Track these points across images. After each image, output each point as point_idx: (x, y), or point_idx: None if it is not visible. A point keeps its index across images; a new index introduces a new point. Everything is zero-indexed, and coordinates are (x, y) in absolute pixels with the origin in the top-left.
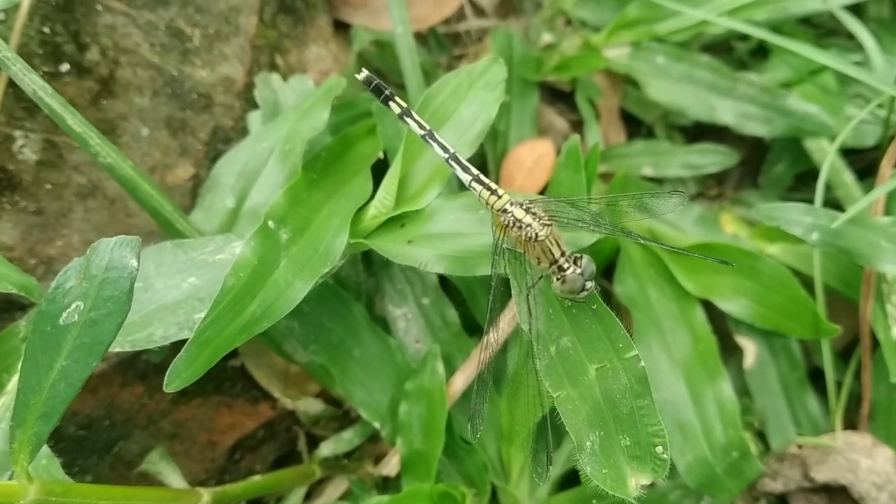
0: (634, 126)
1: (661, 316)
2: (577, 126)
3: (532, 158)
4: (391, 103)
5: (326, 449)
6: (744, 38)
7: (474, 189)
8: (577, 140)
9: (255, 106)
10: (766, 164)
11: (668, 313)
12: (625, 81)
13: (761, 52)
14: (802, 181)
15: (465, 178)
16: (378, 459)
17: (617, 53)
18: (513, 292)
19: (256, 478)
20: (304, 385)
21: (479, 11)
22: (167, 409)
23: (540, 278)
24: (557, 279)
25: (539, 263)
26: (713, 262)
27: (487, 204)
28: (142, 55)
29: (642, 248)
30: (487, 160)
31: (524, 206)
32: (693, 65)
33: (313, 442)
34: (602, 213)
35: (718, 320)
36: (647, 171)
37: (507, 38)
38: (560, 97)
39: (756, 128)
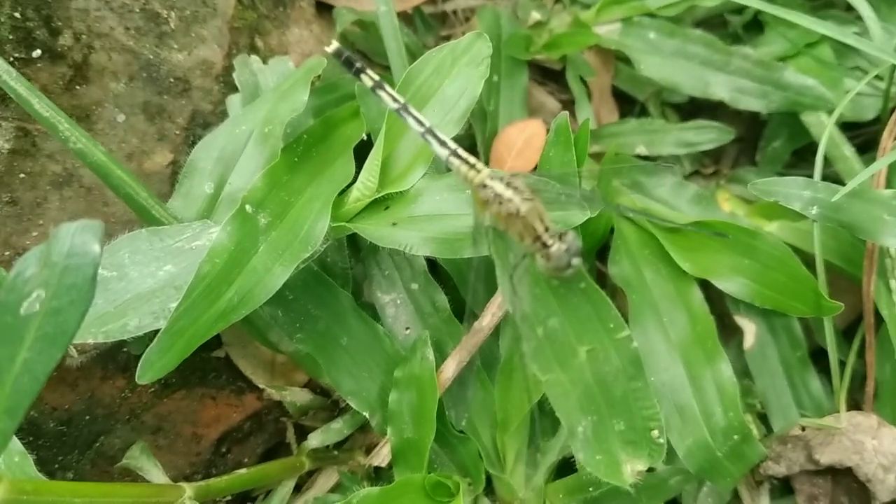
0: (627, 104)
1: (658, 297)
2: (569, 105)
3: (522, 139)
4: (363, 76)
5: (315, 440)
6: (738, 11)
7: (452, 164)
8: (566, 117)
9: (234, 89)
10: (763, 140)
11: (664, 294)
12: (617, 58)
13: (756, 25)
14: (801, 157)
15: (443, 152)
16: (369, 449)
17: (608, 30)
18: (497, 272)
19: (242, 471)
20: (292, 375)
21: None
22: (150, 402)
23: (524, 256)
24: (542, 256)
25: (522, 241)
26: (711, 241)
27: (466, 179)
28: (116, 39)
29: (637, 228)
30: (476, 141)
31: (505, 181)
32: (686, 40)
33: (303, 433)
34: (594, 190)
35: (717, 300)
36: (641, 149)
37: (495, 17)
38: (550, 76)
39: (752, 103)
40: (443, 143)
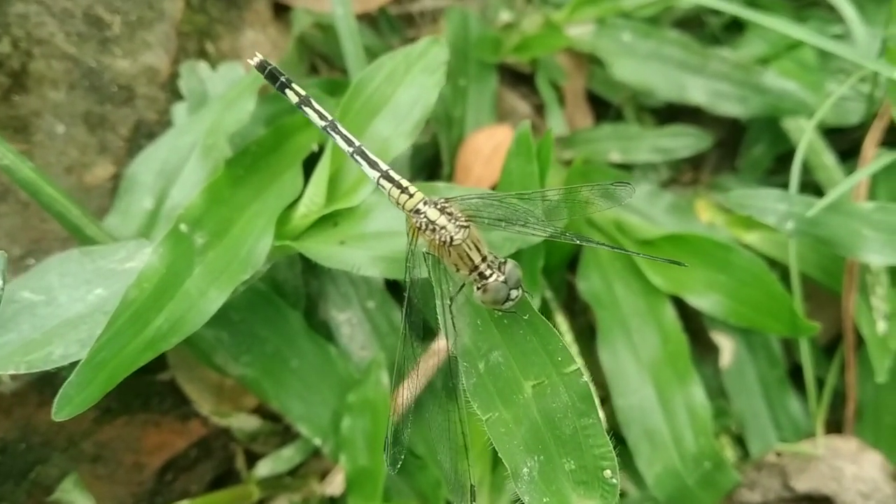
0: (603, 108)
1: (628, 314)
2: (542, 110)
3: (490, 146)
4: (287, 91)
5: (264, 468)
6: (717, 12)
7: (383, 187)
8: (527, 126)
9: (181, 98)
10: (743, 147)
11: (635, 311)
12: (591, 61)
13: (736, 26)
14: (783, 163)
15: (372, 174)
16: (324, 476)
17: (580, 31)
18: (436, 302)
19: (184, 502)
20: (241, 399)
21: None
22: (89, 429)
23: (461, 287)
24: (478, 288)
25: (458, 271)
26: (683, 255)
27: (398, 203)
28: (57, 46)
29: (610, 240)
30: (441, 149)
31: (439, 206)
32: (661, 41)
33: (255, 459)
34: (560, 204)
35: (693, 316)
36: (615, 156)
37: (463, 18)
38: (522, 80)
39: (730, 107)
40: (373, 164)
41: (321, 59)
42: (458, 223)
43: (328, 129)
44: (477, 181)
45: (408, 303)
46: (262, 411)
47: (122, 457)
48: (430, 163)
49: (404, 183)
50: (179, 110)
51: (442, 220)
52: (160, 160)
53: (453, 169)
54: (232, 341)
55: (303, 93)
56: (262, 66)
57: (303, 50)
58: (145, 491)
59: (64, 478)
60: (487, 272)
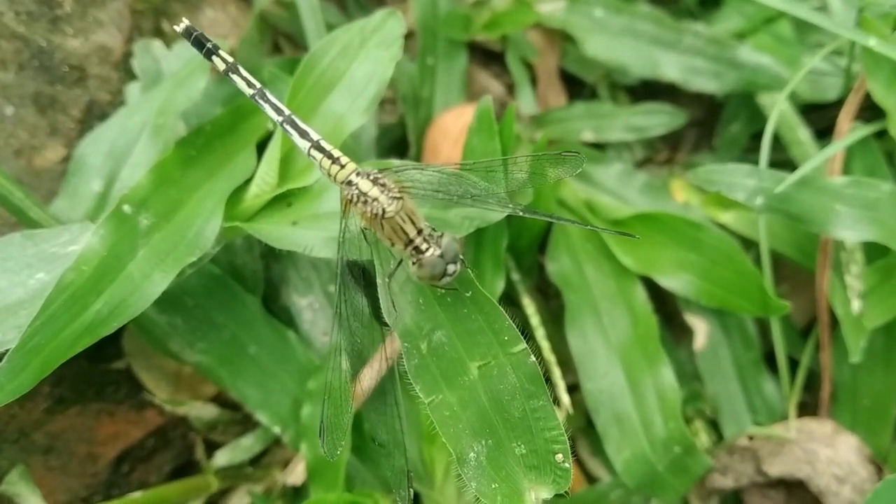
0: (577, 87)
1: (598, 295)
2: (514, 89)
3: (458, 126)
4: (214, 58)
5: (223, 458)
6: None
7: (314, 158)
8: (488, 102)
9: (135, 78)
10: (720, 124)
11: (605, 292)
12: (564, 38)
13: (712, 0)
14: (761, 141)
15: (303, 144)
16: (286, 465)
17: (552, 7)
18: (377, 280)
19: (136, 494)
20: (199, 387)
21: None
22: (40, 419)
23: (399, 263)
24: (414, 263)
25: (393, 245)
26: (654, 234)
27: (329, 175)
28: (5, 25)
29: (581, 220)
30: (408, 129)
31: (371, 177)
32: (634, 17)
33: (216, 449)
34: (524, 182)
35: (668, 297)
36: (588, 135)
37: None
38: (494, 58)
39: (704, 83)
40: (303, 134)
41: (285, 38)
42: (390, 194)
43: (256, 97)
44: (445, 162)
45: (340, 282)
46: (220, 399)
47: (76, 448)
48: (397, 144)
49: (335, 153)
50: (132, 90)
51: (374, 192)
52: (109, 141)
53: (421, 150)
54: (187, 327)
55: (230, 60)
56: (188, 32)
57: (265, 28)
58: (100, 482)
59: (13, 469)
60: (423, 246)
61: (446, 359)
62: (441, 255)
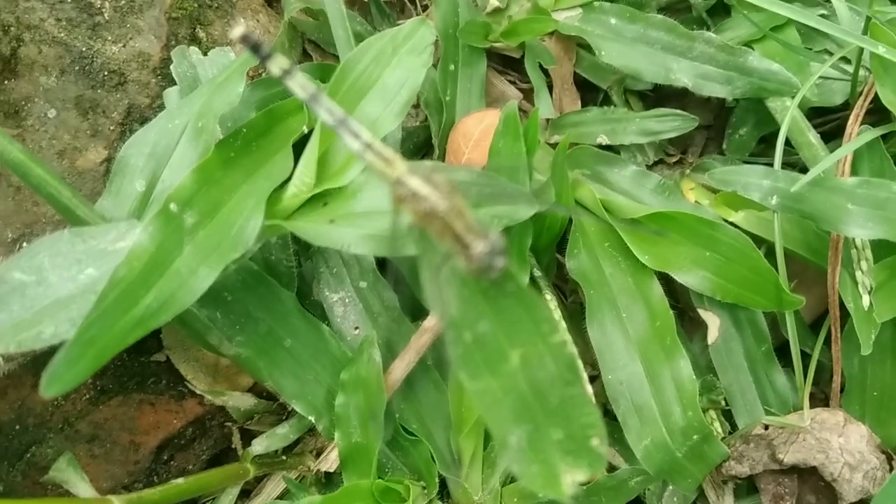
0: (591, 92)
1: (616, 291)
2: (530, 94)
3: (480, 130)
4: (269, 63)
5: (259, 446)
6: None
7: (366, 159)
8: (514, 106)
9: (172, 82)
10: (729, 128)
11: (623, 288)
12: (578, 45)
13: (722, 8)
14: (770, 143)
15: (355, 145)
16: (320, 453)
17: (567, 16)
18: (422, 275)
19: (179, 481)
20: (236, 378)
21: None
22: (84, 409)
23: (447, 258)
24: (463, 257)
25: (443, 241)
26: (671, 232)
27: (382, 176)
28: (47, 31)
29: (596, 219)
30: (432, 133)
31: (423, 177)
32: (647, 25)
33: (252, 437)
34: (547, 182)
35: (682, 292)
36: (602, 139)
37: (453, 4)
38: (511, 64)
39: (716, 89)
40: (356, 135)
41: (313, 46)
42: (441, 192)
43: (311, 101)
44: (467, 164)
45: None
46: (257, 390)
47: (118, 436)
48: (420, 147)
49: (388, 154)
50: (171, 95)
51: (426, 191)
52: (151, 143)
53: (444, 152)
54: (226, 321)
55: (286, 65)
56: (244, 38)
57: (294, 36)
58: (142, 470)
59: (59, 457)
60: (472, 241)
61: (489, 348)
62: (489, 250)
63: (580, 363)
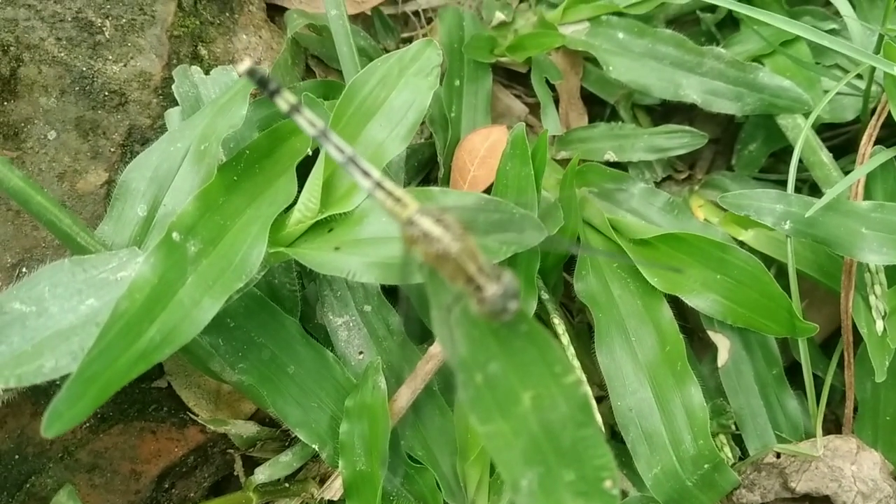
0: (598, 107)
1: (626, 314)
2: (536, 108)
3: (486, 147)
4: (277, 98)
5: (262, 474)
6: (711, 8)
7: (376, 197)
8: (522, 128)
9: (174, 102)
10: (739, 143)
11: (632, 311)
12: (585, 59)
13: (731, 22)
14: (779, 159)
15: (365, 184)
16: (324, 480)
17: (574, 30)
18: (431, 314)
19: None
20: (238, 405)
21: None
22: (85, 438)
23: (458, 299)
24: (475, 300)
25: (454, 282)
26: (680, 254)
27: (392, 214)
28: (47, 50)
29: (605, 240)
30: (437, 150)
31: (435, 217)
32: (656, 40)
33: (255, 464)
34: (556, 204)
35: (691, 313)
36: (610, 155)
37: (458, 18)
38: (517, 78)
39: (725, 105)
40: (366, 174)
41: (316, 61)
42: (454, 234)
43: (320, 137)
44: (473, 182)
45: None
46: (259, 416)
47: (119, 465)
48: (425, 164)
49: (398, 193)
50: (173, 115)
51: (438, 232)
52: (152, 167)
53: (449, 169)
54: (228, 348)
55: (293, 100)
56: (251, 73)
57: (297, 52)
58: (143, 499)
59: (59, 487)
60: (484, 284)
61: (500, 389)
62: (503, 294)
63: (594, 403)
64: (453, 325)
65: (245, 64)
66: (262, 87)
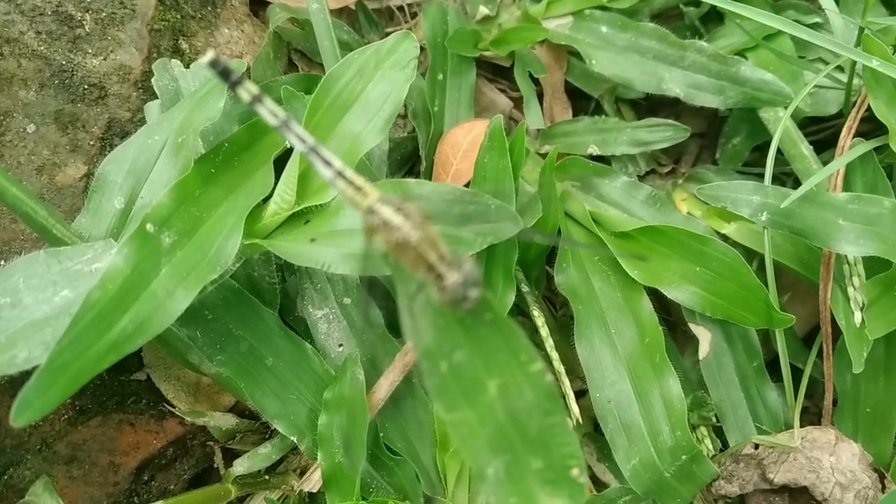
0: (582, 101)
1: (605, 307)
2: (521, 103)
3: (468, 140)
4: (239, 89)
5: (241, 466)
6: (695, 2)
7: (337, 186)
8: (499, 121)
9: (154, 96)
10: (722, 138)
11: (612, 304)
12: (570, 53)
13: (716, 16)
14: (762, 153)
15: (327, 173)
16: (304, 472)
17: (558, 24)
18: (398, 302)
19: (160, 503)
20: (218, 397)
21: None
22: (63, 430)
23: (421, 287)
24: (436, 288)
25: (415, 271)
26: (660, 246)
27: (353, 203)
28: (27, 44)
29: (586, 233)
30: (419, 144)
31: (395, 206)
32: (639, 33)
33: (234, 456)
34: (534, 197)
35: (674, 307)
36: (593, 149)
37: (441, 12)
38: (501, 73)
39: (708, 99)
40: (327, 163)
41: (299, 55)
42: (414, 223)
43: (281, 128)
44: (455, 175)
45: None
46: (238, 409)
47: (97, 457)
48: (408, 158)
49: (359, 182)
50: (152, 109)
51: (398, 220)
52: (130, 159)
53: (432, 163)
54: (206, 340)
55: (255, 91)
56: (214, 63)
57: (279, 46)
58: (122, 491)
59: (37, 479)
60: (445, 272)
61: (466, 378)
62: (463, 282)
63: (568, 384)
64: (417, 313)
65: (208, 55)
66: (225, 77)
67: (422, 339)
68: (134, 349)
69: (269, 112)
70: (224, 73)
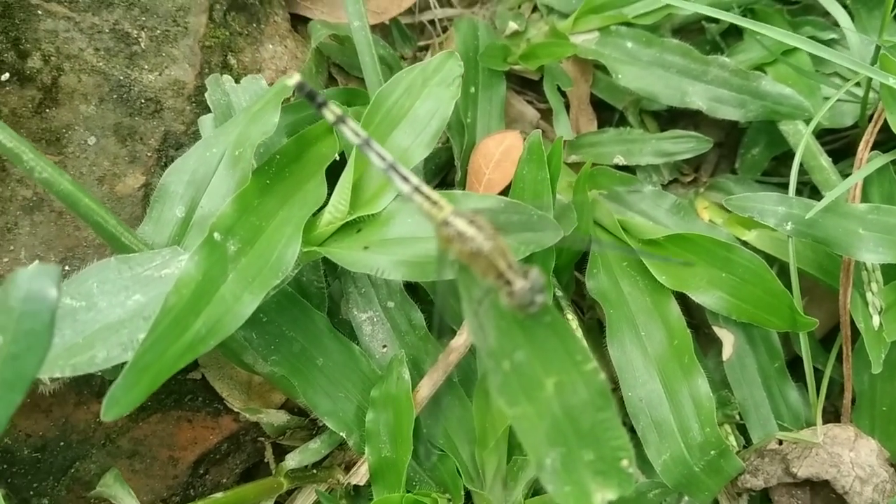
0: (606, 112)
1: (635, 310)
2: (548, 114)
3: (500, 151)
4: (324, 110)
5: (292, 461)
6: (715, 18)
7: (414, 200)
8: (538, 136)
9: (206, 109)
10: (742, 148)
11: (641, 307)
12: (595, 67)
13: (735, 31)
14: (781, 162)
15: (405, 188)
16: (349, 466)
17: (585, 39)
18: (463, 306)
19: (218, 495)
20: (269, 395)
21: (444, 0)
22: (125, 426)
23: (488, 293)
24: (505, 294)
25: (485, 278)
26: (687, 253)
27: (429, 216)
28: (86, 60)
29: (616, 240)
30: (454, 154)
31: (468, 219)
32: (663, 49)
33: (283, 451)
34: (569, 205)
35: (697, 310)
36: (619, 159)
37: (472, 28)
38: (529, 85)
39: (729, 112)
40: (405, 179)
41: (337, 69)
42: (486, 234)
43: (363, 146)
44: (488, 184)
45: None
46: (289, 406)
47: (158, 452)
48: (443, 168)
49: (434, 196)
50: (206, 121)
51: (471, 232)
52: (189, 171)
53: (465, 173)
54: (260, 341)
55: (339, 112)
56: (300, 87)
57: (320, 60)
58: (180, 484)
59: (102, 473)
60: (514, 279)
61: (526, 376)
62: (531, 288)
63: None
64: (483, 316)
65: (294, 78)
66: (311, 100)
67: (486, 340)
68: (207, 350)
69: (352, 131)
70: (310, 96)
